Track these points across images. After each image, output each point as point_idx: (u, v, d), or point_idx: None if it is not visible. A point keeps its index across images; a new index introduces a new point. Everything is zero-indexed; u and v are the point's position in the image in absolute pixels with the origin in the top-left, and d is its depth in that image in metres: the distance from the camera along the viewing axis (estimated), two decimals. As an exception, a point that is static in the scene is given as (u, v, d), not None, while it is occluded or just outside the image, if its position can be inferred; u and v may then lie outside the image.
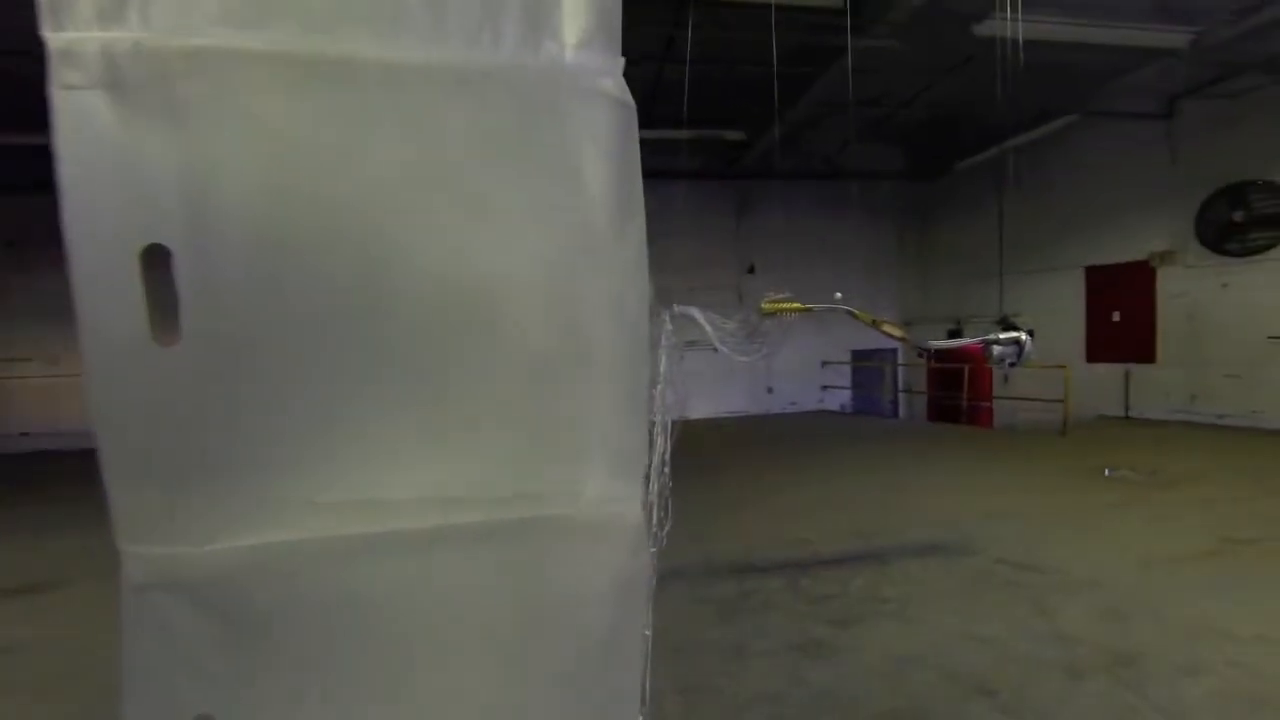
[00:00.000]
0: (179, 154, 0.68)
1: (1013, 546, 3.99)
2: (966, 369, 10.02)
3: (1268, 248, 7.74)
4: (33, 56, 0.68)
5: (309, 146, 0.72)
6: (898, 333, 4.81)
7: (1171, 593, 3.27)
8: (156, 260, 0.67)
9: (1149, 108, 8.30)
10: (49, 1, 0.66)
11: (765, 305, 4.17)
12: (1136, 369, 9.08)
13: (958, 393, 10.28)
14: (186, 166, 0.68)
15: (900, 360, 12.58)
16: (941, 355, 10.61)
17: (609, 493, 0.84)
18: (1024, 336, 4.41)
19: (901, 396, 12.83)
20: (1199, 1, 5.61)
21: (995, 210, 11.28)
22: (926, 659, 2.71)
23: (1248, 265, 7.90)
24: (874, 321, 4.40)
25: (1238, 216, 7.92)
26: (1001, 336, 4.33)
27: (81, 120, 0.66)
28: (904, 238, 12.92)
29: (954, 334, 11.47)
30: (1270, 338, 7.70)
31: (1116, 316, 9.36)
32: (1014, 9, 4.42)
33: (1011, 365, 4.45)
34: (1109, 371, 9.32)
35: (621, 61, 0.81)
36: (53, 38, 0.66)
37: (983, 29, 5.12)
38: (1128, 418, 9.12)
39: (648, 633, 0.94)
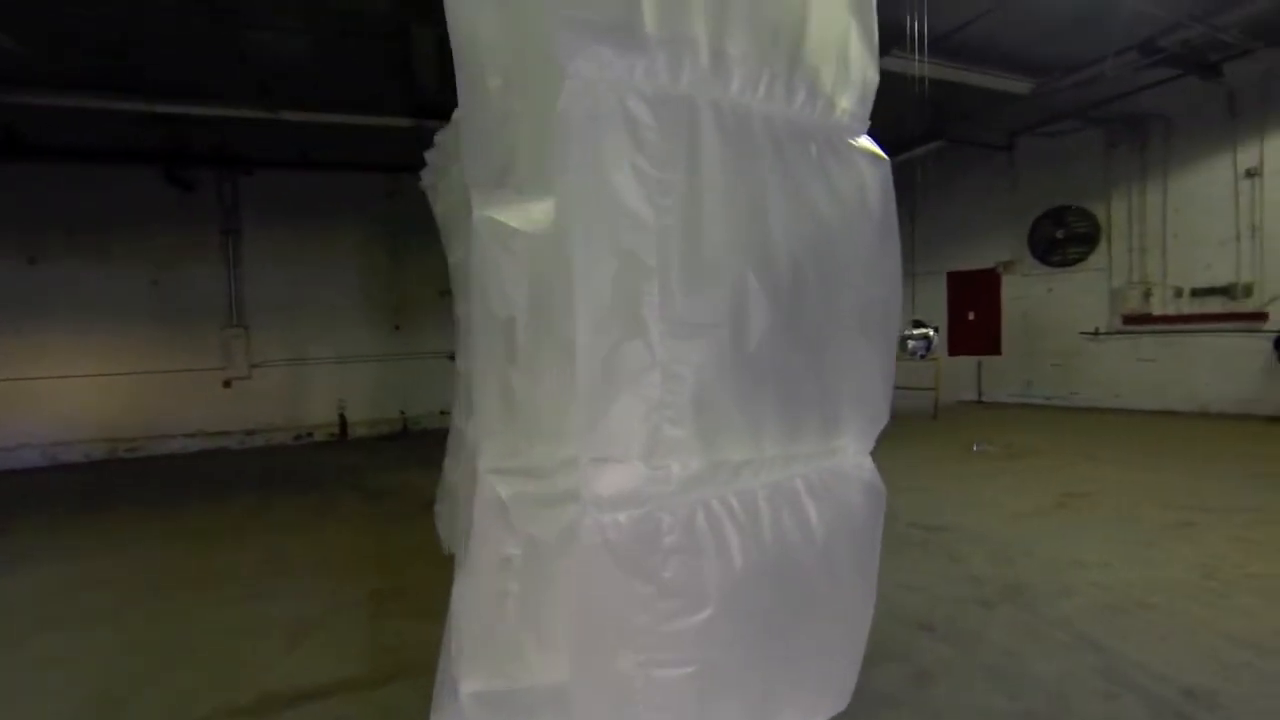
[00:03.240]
0: (663, 166, 0.93)
1: (919, 512, 4.69)
2: (854, 362, 11.22)
3: (1079, 260, 9.57)
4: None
5: (732, 165, 1.01)
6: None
7: (1038, 537, 4.07)
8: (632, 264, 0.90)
9: (998, 140, 9.88)
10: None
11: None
12: (986, 360, 10.76)
13: (847, 383, 11.46)
14: (661, 183, 0.91)
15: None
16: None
17: (862, 446, 1.11)
18: (931, 332, 5.22)
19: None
20: (1039, 59, 6.88)
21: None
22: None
23: (1066, 274, 9.70)
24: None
25: (1059, 234, 9.70)
26: (915, 332, 5.11)
27: (593, 150, 0.88)
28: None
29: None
30: (1081, 333, 9.52)
31: (972, 316, 11.00)
32: (917, 50, 5.19)
33: (922, 357, 5.24)
34: (966, 362, 10.94)
35: (868, 124, 1.12)
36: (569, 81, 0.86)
37: (884, 63, 5.92)
38: (980, 401, 10.78)
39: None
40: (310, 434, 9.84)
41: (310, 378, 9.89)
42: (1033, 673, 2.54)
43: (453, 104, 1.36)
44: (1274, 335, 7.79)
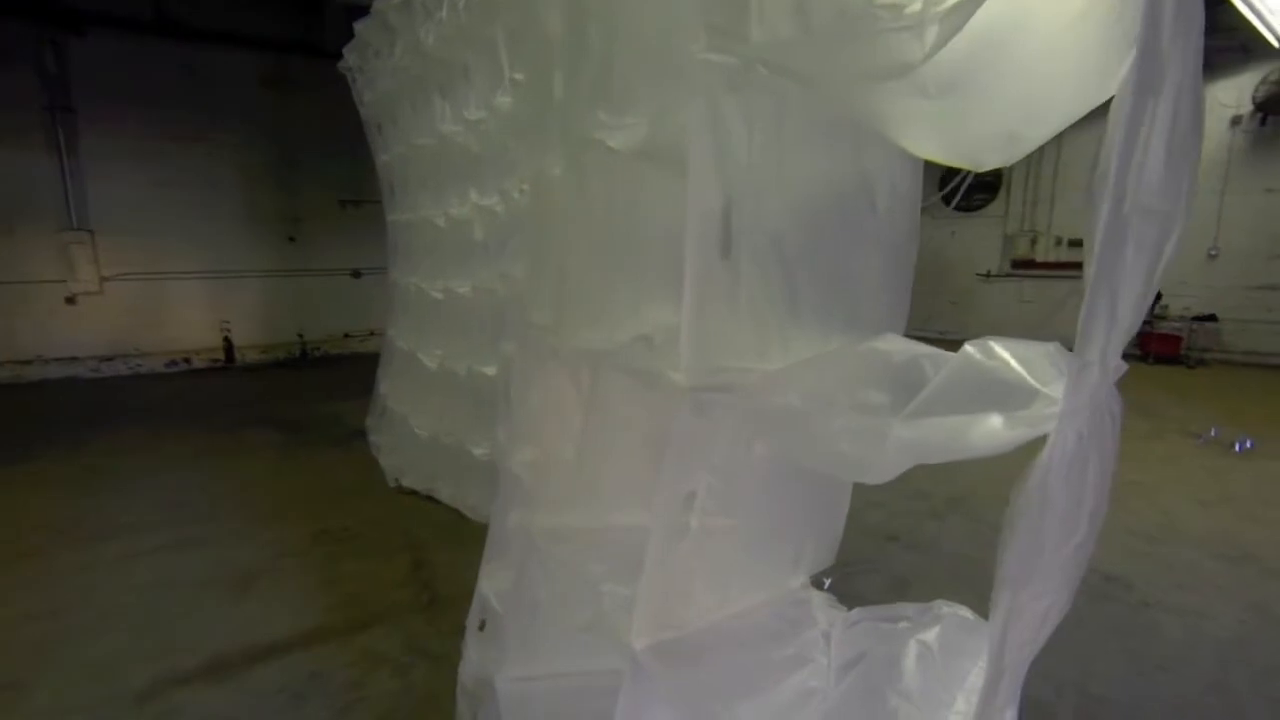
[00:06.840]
0: None
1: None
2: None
3: (982, 207, 10.34)
4: None
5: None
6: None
7: (965, 456, 4.53)
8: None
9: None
10: None
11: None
12: (892, 298, 11.57)
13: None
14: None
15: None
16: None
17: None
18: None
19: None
20: None
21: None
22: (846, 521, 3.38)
23: (969, 219, 10.48)
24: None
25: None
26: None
27: None
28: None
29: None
30: (976, 274, 10.45)
31: (883, 255, 11.67)
32: None
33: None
34: (874, 299, 11.71)
35: None
36: None
37: None
38: (884, 336, 11.70)
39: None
40: (187, 360, 8.58)
41: (183, 294, 8.50)
42: (988, 573, 2.85)
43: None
44: (1128, 282, 9.01)
